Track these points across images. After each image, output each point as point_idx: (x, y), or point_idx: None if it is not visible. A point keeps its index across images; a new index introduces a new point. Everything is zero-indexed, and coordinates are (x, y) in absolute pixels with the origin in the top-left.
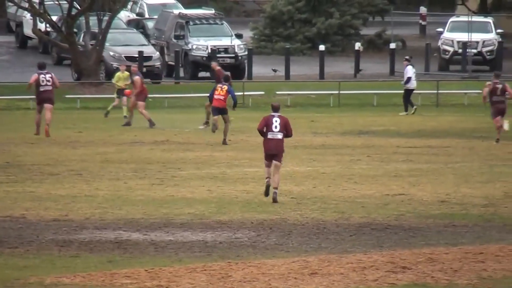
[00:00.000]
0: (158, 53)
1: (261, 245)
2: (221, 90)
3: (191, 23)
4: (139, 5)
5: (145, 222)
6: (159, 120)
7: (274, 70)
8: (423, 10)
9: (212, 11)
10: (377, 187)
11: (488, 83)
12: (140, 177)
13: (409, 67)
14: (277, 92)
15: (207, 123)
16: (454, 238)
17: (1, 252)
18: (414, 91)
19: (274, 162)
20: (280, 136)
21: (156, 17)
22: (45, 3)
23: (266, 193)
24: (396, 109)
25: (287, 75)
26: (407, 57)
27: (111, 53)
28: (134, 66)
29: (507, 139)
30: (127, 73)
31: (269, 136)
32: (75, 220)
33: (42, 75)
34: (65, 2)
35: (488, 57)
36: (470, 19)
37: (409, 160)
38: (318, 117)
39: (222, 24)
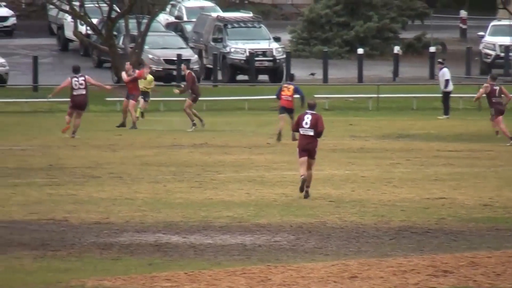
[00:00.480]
0: (196, 56)
1: (300, 249)
2: (287, 90)
3: (229, 26)
4: (177, 8)
5: (184, 225)
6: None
7: (312, 74)
8: (463, 13)
9: (250, 14)
10: (417, 190)
11: (485, 85)
12: (179, 180)
13: (445, 70)
14: (315, 96)
15: (194, 124)
16: (497, 242)
17: (44, 254)
18: (453, 95)
19: (308, 159)
20: (311, 132)
21: (194, 20)
22: (86, 5)
23: (301, 189)
24: (436, 113)
25: (325, 79)
26: (440, 60)
27: (150, 56)
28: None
29: None
30: (151, 76)
31: (301, 132)
32: (116, 223)
33: (75, 79)
34: (105, 5)
35: None
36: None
37: (450, 164)
38: (357, 120)
39: (260, 27)
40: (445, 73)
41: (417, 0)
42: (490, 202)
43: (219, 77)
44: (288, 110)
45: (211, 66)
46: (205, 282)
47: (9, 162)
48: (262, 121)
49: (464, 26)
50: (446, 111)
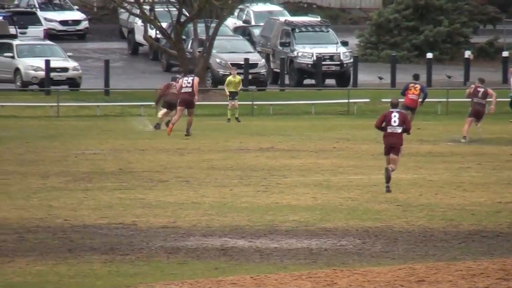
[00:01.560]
0: (263, 60)
1: (367, 253)
2: (414, 89)
3: (297, 30)
4: (245, 13)
5: (250, 229)
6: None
7: (380, 78)
8: None
9: (318, 19)
10: (488, 194)
11: (472, 85)
12: (245, 184)
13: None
14: (383, 100)
15: (157, 126)
16: None
17: (113, 259)
18: None
19: (391, 155)
20: (399, 130)
21: (262, 24)
22: (156, 9)
23: (387, 179)
24: (508, 117)
25: (393, 83)
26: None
27: (218, 60)
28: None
29: None
30: (238, 77)
31: (389, 130)
32: (183, 227)
33: (186, 78)
34: (175, 9)
35: None
36: None
37: None
38: (425, 124)
39: (328, 31)
40: None
41: (489, 5)
42: None
43: (286, 81)
44: (412, 109)
45: (278, 70)
46: (271, 286)
47: (82, 166)
48: (329, 125)
49: None
50: None
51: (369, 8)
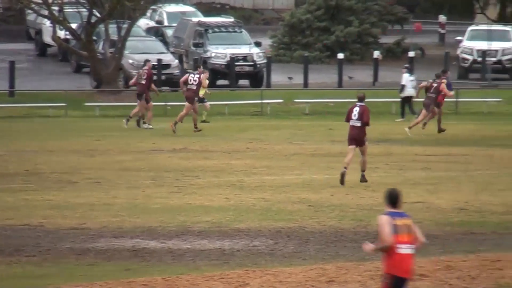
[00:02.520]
0: (177, 61)
1: (279, 253)
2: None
3: (210, 31)
4: (158, 13)
5: (162, 230)
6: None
7: (290, 78)
8: (442, 18)
9: (231, 19)
10: None
11: (429, 80)
12: (158, 185)
13: (405, 75)
14: (296, 100)
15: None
16: (472, 246)
17: (19, 260)
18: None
19: (359, 147)
20: (358, 123)
21: (175, 25)
22: (65, 10)
23: (342, 181)
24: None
25: (306, 83)
26: (406, 65)
27: (130, 61)
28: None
29: None
30: (206, 81)
31: (350, 123)
32: (93, 228)
33: (191, 75)
34: (85, 9)
35: (507, 65)
36: (489, 28)
37: (428, 168)
38: (337, 125)
39: (241, 32)
40: (402, 78)
41: (397, 5)
42: (465, 206)
43: None
44: (438, 105)
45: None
46: (183, 287)
47: None
48: (242, 126)
49: (442, 31)
50: (402, 114)
51: (282, 9)
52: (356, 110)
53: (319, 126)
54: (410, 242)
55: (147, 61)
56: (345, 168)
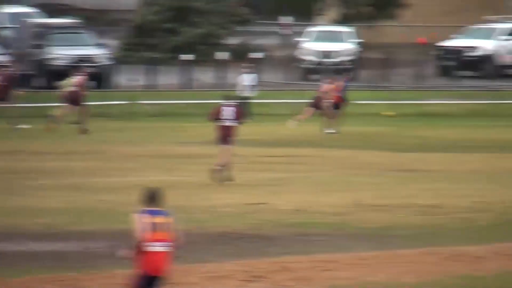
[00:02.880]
0: (15, 61)
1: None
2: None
3: (51, 32)
4: None
5: None
6: None
7: (134, 80)
8: (283, 20)
9: (74, 20)
10: (236, 196)
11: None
12: None
13: (244, 76)
14: (140, 102)
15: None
16: (307, 247)
17: None
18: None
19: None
20: (234, 123)
21: (14, 26)
22: None
23: (219, 179)
24: (260, 119)
25: (153, 85)
26: (245, 65)
27: None
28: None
29: (356, 147)
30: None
31: (223, 123)
32: None
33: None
34: None
35: (347, 66)
36: (329, 29)
37: (270, 170)
38: (184, 126)
39: (84, 33)
40: (242, 78)
41: (242, 7)
42: (302, 208)
43: (40, 83)
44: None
45: (31, 72)
46: None
47: None
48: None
49: (285, 32)
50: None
51: (128, 10)
52: (230, 110)
53: (165, 128)
54: (167, 240)
55: None
56: (221, 167)
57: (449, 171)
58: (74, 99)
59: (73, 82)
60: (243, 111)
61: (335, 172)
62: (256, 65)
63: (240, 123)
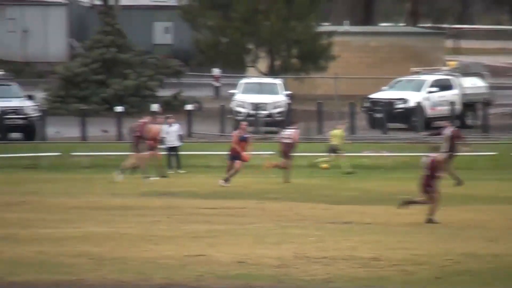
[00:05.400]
0: None
1: None
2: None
3: None
4: None
5: None
6: None
7: (104, 131)
8: (216, 71)
9: (0, 72)
10: (177, 248)
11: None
12: None
13: (164, 126)
14: (74, 153)
15: None
16: None
17: None
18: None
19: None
20: None
21: None
22: None
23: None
24: (194, 170)
25: (84, 136)
26: (167, 116)
27: None
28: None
29: (294, 199)
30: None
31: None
32: None
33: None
34: None
35: (277, 118)
36: (260, 81)
37: (208, 221)
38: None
39: (11, 85)
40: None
41: (172, 59)
42: (244, 259)
43: None
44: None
45: None
46: None
47: None
48: (15, 178)
49: (217, 84)
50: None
51: (55, 62)
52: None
53: (100, 180)
54: None
55: None
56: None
57: (387, 223)
58: None
59: None
60: None
61: (273, 224)
62: (190, 117)
63: None
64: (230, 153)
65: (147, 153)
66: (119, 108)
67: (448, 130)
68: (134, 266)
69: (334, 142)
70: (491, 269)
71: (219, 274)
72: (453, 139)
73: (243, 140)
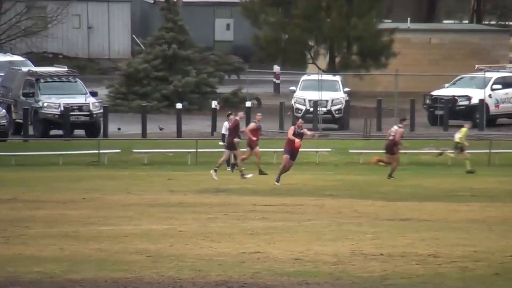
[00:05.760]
0: (4, 110)
1: None
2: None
3: (41, 80)
4: None
5: None
6: None
7: (161, 128)
8: (276, 68)
9: (65, 69)
10: (233, 245)
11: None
12: None
13: (226, 124)
14: (134, 150)
15: None
16: None
17: None
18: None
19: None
20: None
21: (2, 74)
22: None
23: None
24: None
25: (144, 133)
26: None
27: None
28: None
29: (352, 196)
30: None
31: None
32: None
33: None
34: None
35: (336, 115)
36: (320, 78)
37: (265, 218)
38: (176, 175)
39: (75, 81)
40: (224, 127)
41: (233, 56)
42: (300, 256)
43: (31, 132)
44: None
45: (21, 121)
46: None
47: None
48: (77, 176)
49: (277, 81)
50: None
51: (118, 58)
52: None
53: (158, 176)
54: None
55: None
56: None
57: (445, 220)
58: None
59: None
60: None
61: (330, 221)
62: (249, 114)
63: None
64: (285, 148)
65: (246, 150)
66: (179, 105)
67: None
68: (190, 263)
69: (458, 140)
70: None
71: (275, 271)
72: None
73: (298, 135)
